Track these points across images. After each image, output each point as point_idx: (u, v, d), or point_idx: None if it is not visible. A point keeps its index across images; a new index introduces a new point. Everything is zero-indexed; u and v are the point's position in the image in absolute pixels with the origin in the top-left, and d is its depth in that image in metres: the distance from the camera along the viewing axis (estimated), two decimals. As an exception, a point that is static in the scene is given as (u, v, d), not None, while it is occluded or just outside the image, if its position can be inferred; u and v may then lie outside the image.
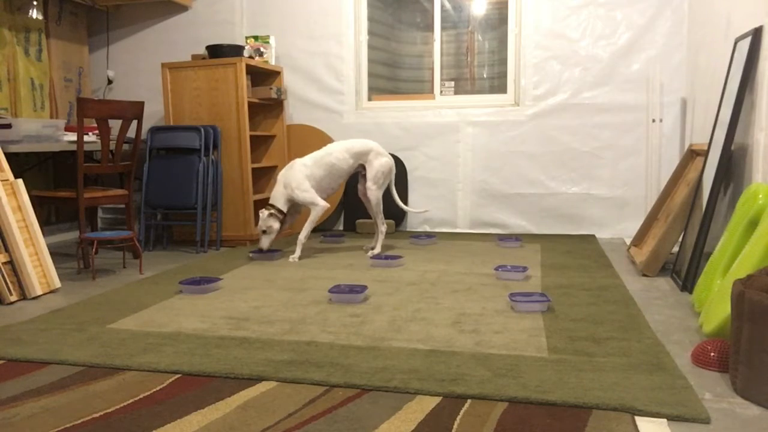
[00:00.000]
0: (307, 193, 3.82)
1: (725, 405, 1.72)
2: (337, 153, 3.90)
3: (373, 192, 3.89)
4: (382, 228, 3.98)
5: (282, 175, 3.88)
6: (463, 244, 4.28)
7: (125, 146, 4.03)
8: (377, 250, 3.93)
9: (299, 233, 3.92)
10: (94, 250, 3.52)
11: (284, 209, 3.85)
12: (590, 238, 4.43)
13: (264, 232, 3.81)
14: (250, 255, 3.90)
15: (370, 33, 5.00)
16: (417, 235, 4.47)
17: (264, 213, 3.80)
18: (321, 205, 3.83)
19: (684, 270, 3.01)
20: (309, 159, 3.90)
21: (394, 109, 4.89)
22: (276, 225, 3.81)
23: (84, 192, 3.65)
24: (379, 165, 3.91)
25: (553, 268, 3.48)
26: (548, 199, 4.66)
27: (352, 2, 4.85)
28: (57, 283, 3.19)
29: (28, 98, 4.55)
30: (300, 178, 3.83)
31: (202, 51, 4.60)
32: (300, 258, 3.83)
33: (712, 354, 1.98)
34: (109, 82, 5.28)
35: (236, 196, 4.39)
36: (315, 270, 3.52)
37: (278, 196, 3.84)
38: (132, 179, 3.99)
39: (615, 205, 4.55)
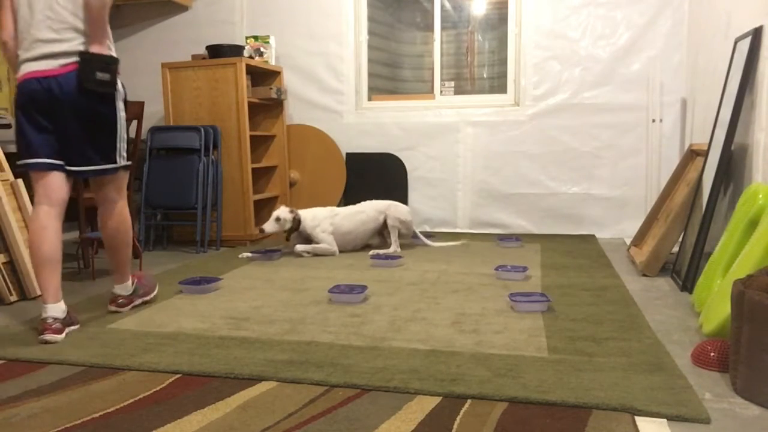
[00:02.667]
0: (324, 235, 3.94)
1: (725, 405, 1.72)
2: (369, 212, 4.03)
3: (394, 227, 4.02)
4: (395, 247, 4.00)
5: (311, 209, 4.01)
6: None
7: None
8: (380, 251, 3.93)
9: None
10: (94, 250, 3.52)
11: (302, 225, 3.93)
12: (590, 238, 4.43)
13: (277, 219, 3.84)
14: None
15: (370, 33, 5.00)
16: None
17: (285, 207, 3.90)
18: (332, 250, 3.95)
19: (684, 270, 3.01)
20: (342, 209, 4.05)
21: (394, 109, 4.89)
22: (289, 222, 3.86)
23: (84, 192, 3.64)
24: (398, 212, 4.04)
25: (553, 268, 3.48)
26: (548, 199, 4.66)
27: (352, 2, 4.85)
28: (57, 283, 3.19)
29: (28, 98, 4.55)
30: (325, 224, 3.95)
31: (202, 51, 4.59)
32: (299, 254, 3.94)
33: (712, 354, 1.98)
34: (109, 82, 5.27)
35: (236, 196, 4.39)
36: (315, 270, 3.52)
37: (302, 214, 3.94)
38: (132, 179, 3.98)
39: (615, 205, 4.55)
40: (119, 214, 2.61)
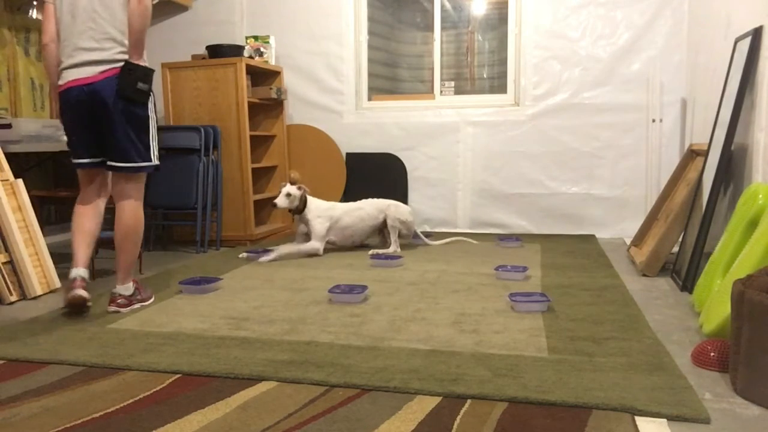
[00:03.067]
0: (320, 226, 3.94)
1: (725, 405, 1.72)
2: (369, 209, 4.06)
3: (394, 227, 4.03)
4: (395, 247, 4.00)
5: (315, 200, 4.04)
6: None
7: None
8: (380, 251, 3.94)
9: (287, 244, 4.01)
10: (94, 250, 3.51)
11: (306, 204, 3.96)
12: (590, 238, 4.43)
13: (288, 195, 3.88)
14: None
15: (370, 33, 5.00)
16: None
17: (294, 186, 3.93)
18: (316, 246, 3.94)
19: (684, 270, 3.01)
20: (342, 205, 4.07)
21: (394, 109, 4.89)
22: (298, 199, 3.90)
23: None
24: (398, 213, 4.04)
25: (553, 268, 3.48)
26: (548, 199, 4.66)
27: (352, 2, 4.85)
28: (57, 283, 3.19)
29: (28, 98, 4.55)
30: (327, 214, 3.98)
31: (202, 51, 4.59)
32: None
33: (712, 354, 1.98)
34: (109, 82, 5.27)
35: (236, 196, 4.39)
36: (315, 270, 3.52)
37: (309, 198, 3.99)
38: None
39: (615, 205, 4.55)
40: (135, 213, 2.76)
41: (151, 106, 2.73)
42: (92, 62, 2.59)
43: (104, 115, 2.62)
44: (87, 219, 2.78)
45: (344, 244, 4.07)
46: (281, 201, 3.87)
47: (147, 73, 2.65)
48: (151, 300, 2.91)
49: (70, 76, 2.61)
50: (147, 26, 2.60)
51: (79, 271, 2.71)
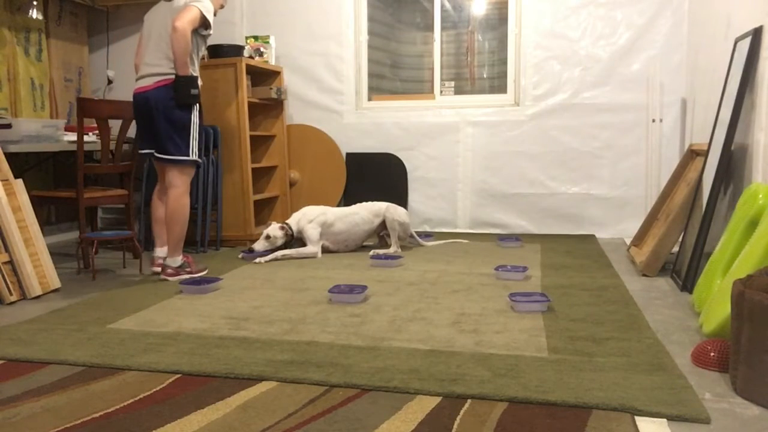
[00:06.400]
0: (313, 231, 3.93)
1: (725, 405, 1.72)
2: (363, 214, 4.05)
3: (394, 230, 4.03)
4: (396, 247, 3.99)
5: (306, 207, 4.07)
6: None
7: (125, 146, 4.03)
8: (381, 251, 3.94)
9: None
10: (94, 250, 3.52)
11: (294, 232, 3.94)
12: (590, 238, 4.43)
13: (267, 237, 3.83)
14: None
15: (370, 33, 5.00)
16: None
17: (275, 224, 3.90)
18: (313, 250, 3.92)
19: (684, 270, 3.01)
20: (336, 210, 4.06)
21: (394, 109, 4.89)
22: (281, 238, 3.87)
23: (84, 192, 3.64)
24: (396, 214, 4.03)
25: (553, 268, 3.48)
26: (548, 199, 4.66)
27: (352, 2, 4.85)
28: (57, 283, 3.19)
29: (28, 98, 4.55)
30: (319, 219, 3.96)
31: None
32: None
33: (712, 354, 1.98)
34: (109, 82, 5.27)
35: (236, 196, 4.39)
36: (315, 270, 3.52)
37: (293, 221, 3.98)
38: (132, 179, 3.99)
39: (615, 205, 4.55)
40: (176, 198, 3.27)
41: (195, 111, 3.29)
42: (150, 75, 3.22)
43: (152, 116, 3.21)
44: (158, 209, 3.43)
45: (338, 249, 4.06)
46: (260, 245, 3.83)
47: (194, 81, 3.25)
48: (205, 272, 3.43)
49: (137, 85, 3.28)
50: (183, 48, 3.12)
51: (158, 252, 3.41)
